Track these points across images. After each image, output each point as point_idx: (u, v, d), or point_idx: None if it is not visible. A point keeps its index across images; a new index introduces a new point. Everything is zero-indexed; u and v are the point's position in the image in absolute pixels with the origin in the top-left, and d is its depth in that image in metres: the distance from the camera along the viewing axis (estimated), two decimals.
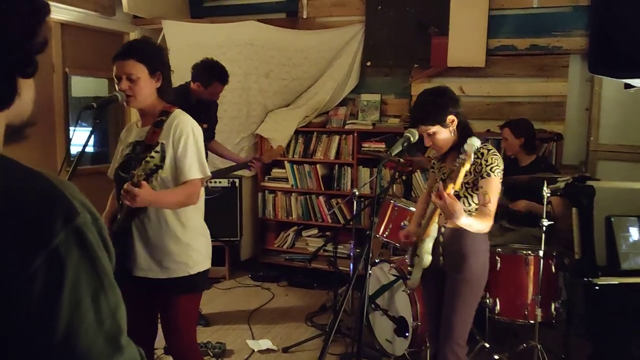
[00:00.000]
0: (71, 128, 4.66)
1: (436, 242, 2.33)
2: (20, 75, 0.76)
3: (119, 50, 2.13)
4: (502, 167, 2.28)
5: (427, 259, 2.30)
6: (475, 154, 2.23)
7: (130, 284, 2.17)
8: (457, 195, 2.27)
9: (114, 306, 0.75)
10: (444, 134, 2.30)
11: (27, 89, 0.79)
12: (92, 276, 0.72)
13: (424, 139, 2.35)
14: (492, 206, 2.23)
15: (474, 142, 2.11)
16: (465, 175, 2.22)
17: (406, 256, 2.61)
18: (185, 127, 2.15)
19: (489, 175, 2.24)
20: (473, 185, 2.29)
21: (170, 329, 2.26)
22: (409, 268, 2.51)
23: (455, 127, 2.31)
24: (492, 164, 2.25)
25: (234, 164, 3.94)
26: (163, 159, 2.02)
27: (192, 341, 2.33)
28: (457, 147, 2.32)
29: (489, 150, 2.30)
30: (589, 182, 2.10)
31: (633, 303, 2.28)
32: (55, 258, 0.68)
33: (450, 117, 2.29)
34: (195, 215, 2.25)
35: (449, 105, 2.29)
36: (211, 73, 3.63)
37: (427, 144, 2.34)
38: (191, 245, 2.20)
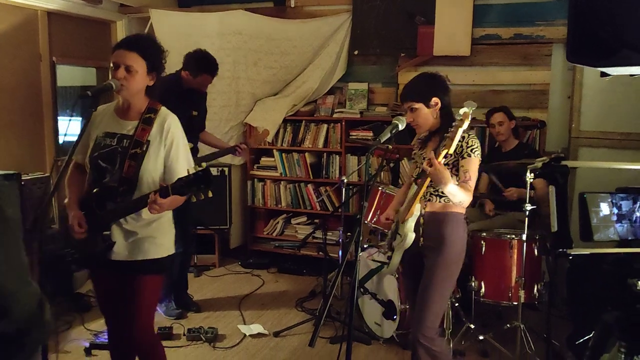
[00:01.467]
0: (60, 117, 4.65)
1: (416, 225, 2.41)
2: None
3: (123, 40, 2.18)
4: (480, 150, 2.39)
5: (411, 237, 2.38)
6: (460, 139, 2.32)
7: (106, 269, 2.25)
8: None
9: (19, 251, 0.95)
10: (426, 113, 2.41)
11: None
12: (2, 229, 0.92)
13: (406, 116, 2.43)
14: (472, 183, 2.34)
15: (471, 105, 2.22)
16: (446, 156, 2.30)
17: (384, 242, 2.68)
18: (176, 131, 2.24)
19: (469, 155, 2.35)
20: (453, 166, 2.39)
21: (132, 307, 2.27)
22: (388, 253, 2.58)
23: (437, 111, 2.42)
24: (472, 145, 2.36)
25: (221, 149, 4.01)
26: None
27: (149, 322, 2.35)
28: (437, 132, 2.43)
29: (469, 134, 2.40)
30: (564, 162, 2.22)
31: (603, 271, 2.39)
32: None
33: (435, 99, 2.40)
34: None
35: (438, 89, 2.42)
36: (200, 64, 3.67)
37: (408, 120, 2.42)
38: (162, 230, 2.29)
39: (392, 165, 4.31)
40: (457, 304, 3.38)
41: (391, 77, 4.95)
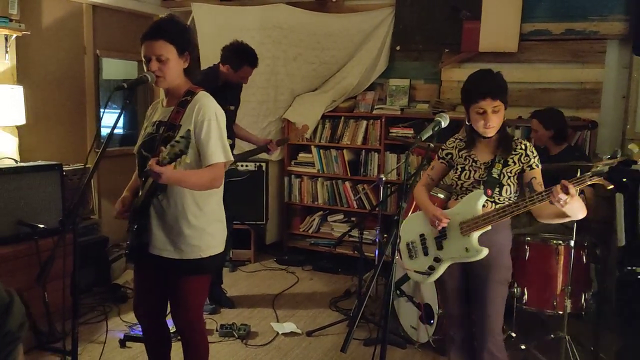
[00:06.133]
0: (100, 109, 4.72)
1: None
2: None
3: (147, 30, 2.11)
4: None
5: (484, 252, 2.23)
6: (516, 144, 2.28)
7: (145, 260, 2.22)
8: (500, 184, 2.24)
9: None
10: (503, 116, 2.27)
11: None
12: None
13: (485, 116, 2.21)
14: None
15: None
16: (509, 164, 2.25)
17: (419, 250, 2.49)
18: (207, 111, 2.11)
19: (537, 166, 2.26)
20: (515, 174, 2.27)
21: (177, 306, 2.27)
22: (429, 263, 2.43)
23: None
24: (536, 155, 2.27)
25: (254, 147, 3.97)
26: (188, 145, 1.86)
27: (197, 319, 2.33)
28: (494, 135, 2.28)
29: (528, 142, 2.31)
30: (635, 167, 1.99)
31: None
32: None
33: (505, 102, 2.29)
34: (212, 200, 2.23)
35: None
36: (241, 56, 3.61)
37: (488, 121, 2.21)
38: (206, 229, 2.20)
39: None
40: None
41: (434, 73, 4.81)
